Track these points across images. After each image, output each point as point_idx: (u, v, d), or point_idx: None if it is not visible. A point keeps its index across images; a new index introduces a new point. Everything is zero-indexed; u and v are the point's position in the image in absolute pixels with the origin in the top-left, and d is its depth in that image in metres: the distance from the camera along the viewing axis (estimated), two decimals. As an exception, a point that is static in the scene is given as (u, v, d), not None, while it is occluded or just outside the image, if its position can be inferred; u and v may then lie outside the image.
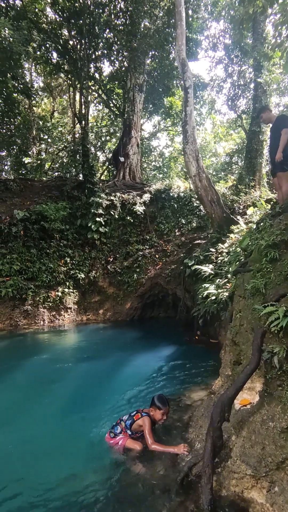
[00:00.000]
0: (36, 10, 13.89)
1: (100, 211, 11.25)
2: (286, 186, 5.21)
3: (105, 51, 14.48)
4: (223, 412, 2.74)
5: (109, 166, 19.24)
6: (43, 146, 20.64)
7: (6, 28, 9.13)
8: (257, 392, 3.05)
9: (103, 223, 11.29)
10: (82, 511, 2.73)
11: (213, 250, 8.51)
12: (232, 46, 15.00)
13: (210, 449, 2.66)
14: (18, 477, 3.15)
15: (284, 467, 2.46)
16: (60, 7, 12.95)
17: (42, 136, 20.01)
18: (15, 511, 2.75)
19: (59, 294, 10.22)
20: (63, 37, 13.91)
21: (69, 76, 15.97)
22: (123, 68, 15.29)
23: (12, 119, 15.60)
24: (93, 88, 15.90)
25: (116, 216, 11.63)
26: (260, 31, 12.28)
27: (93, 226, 11.09)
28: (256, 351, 2.90)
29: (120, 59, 15.08)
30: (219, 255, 8.21)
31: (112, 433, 3.54)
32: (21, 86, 13.28)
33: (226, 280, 6.83)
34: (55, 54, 14.73)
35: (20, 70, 12.62)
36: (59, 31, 13.90)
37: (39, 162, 18.27)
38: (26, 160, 18.43)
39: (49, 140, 20.53)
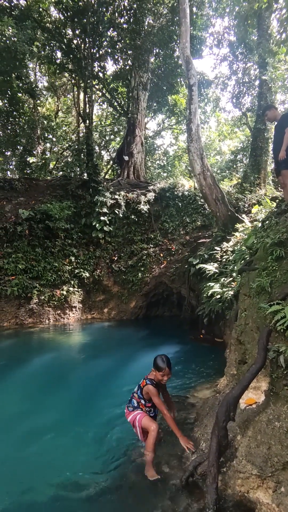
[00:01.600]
0: (40, 9, 13.92)
1: (105, 210, 11.26)
2: None
3: (109, 50, 14.47)
4: (228, 411, 2.72)
5: (114, 165, 19.24)
6: (47, 145, 20.72)
7: (10, 27, 9.15)
8: (263, 392, 3.02)
9: (108, 222, 11.29)
10: (86, 509, 2.74)
11: (217, 248, 8.47)
12: (236, 43, 14.87)
13: (216, 448, 2.65)
14: (21, 473, 3.17)
15: (290, 467, 2.43)
16: (64, 6, 12.96)
17: (46, 135, 20.08)
18: (14, 505, 2.76)
19: (64, 293, 10.26)
20: (67, 36, 13.93)
21: (73, 75, 16.01)
22: (127, 67, 15.27)
23: (16, 119, 15.68)
24: (97, 87, 15.92)
25: (121, 215, 11.63)
26: (265, 27, 12.14)
27: (97, 225, 11.11)
28: (262, 350, 2.87)
29: (124, 57, 15.06)
30: (224, 254, 8.16)
31: (130, 407, 3.50)
32: (26, 85, 13.32)
33: (231, 278, 6.80)
34: (59, 54, 14.78)
35: (24, 70, 12.66)
36: (63, 30, 13.92)
37: (43, 161, 18.33)
38: (31, 159, 18.51)
39: (53, 139, 20.60)
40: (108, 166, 21.24)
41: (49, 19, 14.18)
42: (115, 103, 16.86)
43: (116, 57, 14.98)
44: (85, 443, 3.69)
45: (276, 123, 5.60)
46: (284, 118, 5.35)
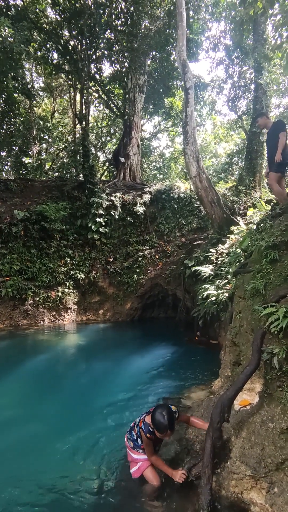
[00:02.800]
0: (37, 10, 13.89)
1: (101, 211, 11.26)
2: (276, 187, 5.34)
3: (106, 52, 14.48)
4: (222, 412, 2.74)
5: (110, 167, 19.25)
6: (43, 146, 20.65)
7: (6, 28, 9.12)
8: (257, 393, 3.05)
9: (103, 223, 11.29)
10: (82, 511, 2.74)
11: (213, 251, 8.51)
12: (232, 47, 15.00)
13: (210, 449, 2.67)
14: (17, 475, 3.16)
15: (283, 468, 2.46)
16: (61, 8, 12.96)
17: (42, 136, 20.02)
18: (11, 509, 2.75)
19: (59, 294, 10.22)
20: (64, 38, 13.92)
21: (69, 76, 15.99)
22: (124, 69, 15.29)
23: (12, 119, 15.60)
24: (94, 88, 15.91)
25: (117, 217, 11.63)
26: (260, 32, 12.29)
27: (93, 226, 11.10)
28: (256, 352, 2.90)
29: (120, 59, 15.08)
30: (219, 256, 8.21)
31: (131, 441, 3.08)
32: (22, 86, 13.28)
33: (226, 281, 6.84)
34: (55, 55, 14.74)
35: (20, 71, 12.61)
36: (60, 32, 13.90)
37: (39, 162, 18.27)
38: (27, 160, 18.42)
39: (49, 140, 20.54)
40: (104, 168, 21.23)
41: (45, 20, 14.16)
42: (112, 105, 16.87)
43: (113, 59, 14.99)
44: (80, 446, 3.68)
45: (266, 130, 5.77)
46: (275, 125, 5.54)
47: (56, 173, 18.00)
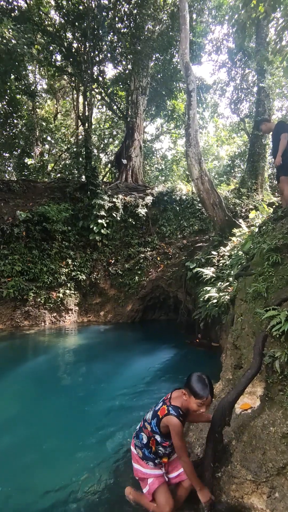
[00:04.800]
0: (41, 13, 13.99)
1: (102, 213, 11.27)
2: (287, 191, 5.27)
3: (109, 54, 14.55)
4: (223, 416, 2.73)
5: (112, 168, 19.29)
6: (46, 147, 20.73)
7: (10, 30, 9.17)
8: (258, 397, 3.04)
9: (105, 225, 11.30)
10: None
11: (214, 253, 8.50)
12: (235, 49, 15.02)
13: (210, 453, 2.65)
14: (16, 476, 3.15)
15: (285, 472, 2.44)
16: (64, 10, 13.04)
17: (45, 137, 20.10)
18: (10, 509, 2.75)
19: (60, 295, 10.22)
20: (67, 40, 14.00)
21: (72, 78, 16.09)
22: (127, 71, 15.36)
23: (15, 121, 15.69)
24: (97, 90, 15.98)
25: (118, 218, 11.64)
26: (263, 35, 12.31)
27: (95, 227, 11.11)
28: (258, 355, 2.89)
29: (123, 62, 15.15)
30: (221, 258, 8.20)
31: (138, 448, 2.57)
32: (25, 87, 13.36)
33: (227, 283, 6.82)
34: (59, 57, 14.83)
35: (24, 72, 12.70)
36: (63, 34, 13.99)
37: (42, 163, 18.34)
38: (29, 161, 18.52)
39: (52, 141, 20.62)
40: (107, 169, 21.28)
41: (49, 23, 14.25)
42: (114, 107, 16.93)
43: (116, 61, 15.07)
44: (80, 446, 3.67)
45: (271, 133, 5.74)
46: (278, 126, 5.50)
47: (58, 175, 18.05)
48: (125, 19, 13.96)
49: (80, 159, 14.32)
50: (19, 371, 6.18)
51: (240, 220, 9.35)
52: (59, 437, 3.89)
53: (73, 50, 13.94)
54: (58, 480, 3.09)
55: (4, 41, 9.34)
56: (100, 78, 15.38)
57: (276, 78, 13.16)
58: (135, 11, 13.50)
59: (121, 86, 16.94)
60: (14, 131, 16.55)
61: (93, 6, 12.98)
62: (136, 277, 10.87)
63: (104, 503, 2.83)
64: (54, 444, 3.74)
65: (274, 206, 7.59)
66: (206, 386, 2.32)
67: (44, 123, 19.70)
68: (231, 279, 6.66)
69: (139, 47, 13.71)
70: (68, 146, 20.31)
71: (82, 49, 13.89)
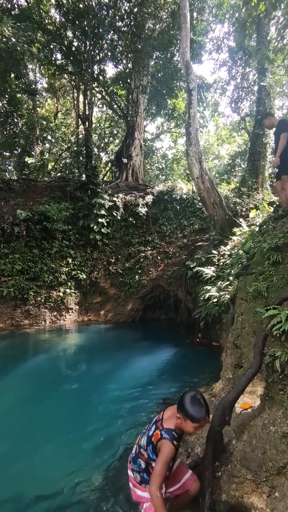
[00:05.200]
0: (41, 11, 13.96)
1: (103, 212, 11.26)
2: None
3: (109, 53, 14.52)
4: (224, 415, 2.72)
5: (112, 167, 19.26)
6: (46, 146, 20.71)
7: (9, 28, 9.14)
8: (258, 396, 3.03)
9: (106, 224, 11.29)
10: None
11: (215, 252, 8.49)
12: (236, 48, 14.98)
13: (211, 452, 2.65)
14: (15, 475, 3.15)
15: (285, 472, 2.44)
16: (64, 9, 13.01)
17: (45, 136, 20.08)
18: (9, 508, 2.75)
19: (61, 294, 10.23)
20: (67, 39, 13.97)
21: (73, 77, 16.07)
22: (127, 70, 15.33)
23: (15, 120, 15.67)
24: (97, 89, 15.95)
25: (119, 217, 11.63)
26: (264, 33, 12.27)
27: (95, 227, 11.10)
28: (258, 355, 2.88)
29: (124, 60, 15.12)
30: (221, 258, 8.19)
31: (136, 473, 2.39)
32: (25, 85, 13.34)
33: (228, 282, 6.82)
34: (59, 55, 14.80)
35: (24, 71, 12.68)
36: (64, 32, 13.96)
37: (42, 162, 18.32)
38: (29, 160, 18.50)
39: (52, 140, 20.60)
40: (107, 168, 21.26)
41: (49, 21, 14.22)
42: (115, 106, 16.90)
43: (116, 60, 15.04)
44: (79, 447, 3.67)
45: (274, 129, 5.68)
46: (280, 124, 5.44)
47: (59, 174, 18.03)
48: (125, 17, 13.92)
49: (81, 158, 14.30)
50: (19, 370, 6.18)
51: (241, 219, 9.34)
52: (58, 436, 3.89)
53: (74, 49, 13.91)
54: (56, 479, 3.09)
55: (4, 39, 9.32)
56: (101, 77, 15.36)
57: (277, 77, 13.15)
58: (135, 10, 13.47)
59: (122, 85, 16.91)
60: (14, 130, 16.54)
61: (94, 4, 12.95)
62: (137, 276, 10.87)
63: (103, 502, 2.83)
64: (51, 442, 3.72)
65: (274, 205, 7.58)
66: (202, 407, 2.16)
67: (44, 122, 19.68)
68: (231, 278, 6.66)
69: (139, 46, 13.68)
70: (69, 145, 20.29)
71: (83, 47, 13.86)
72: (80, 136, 18.08)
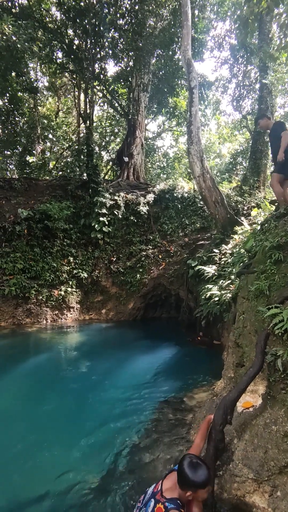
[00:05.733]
0: (42, 9, 13.92)
1: (104, 210, 11.25)
2: (278, 187, 5.25)
3: (110, 51, 14.47)
4: (225, 414, 2.72)
5: (113, 166, 19.24)
6: (47, 145, 20.70)
7: (10, 26, 9.11)
8: (260, 395, 3.02)
9: (107, 222, 11.28)
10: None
11: (216, 251, 8.47)
12: (238, 46, 14.93)
13: (212, 451, 2.64)
14: (17, 474, 3.15)
15: (287, 471, 2.43)
16: (65, 7, 12.96)
17: (46, 135, 20.06)
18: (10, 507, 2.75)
19: (62, 293, 10.23)
20: (68, 37, 13.92)
21: (74, 76, 16.01)
22: (128, 68, 15.28)
23: (16, 118, 15.66)
24: (98, 88, 15.92)
25: (120, 216, 11.62)
26: (266, 31, 12.20)
27: (96, 225, 11.10)
28: (260, 354, 2.87)
29: (125, 59, 15.07)
30: (223, 256, 8.17)
31: None
32: (26, 83, 13.31)
33: (229, 281, 6.80)
34: (60, 54, 14.76)
35: (25, 69, 12.65)
36: (65, 31, 13.91)
37: (43, 161, 18.32)
38: (31, 159, 18.48)
39: (53, 139, 20.59)
40: (108, 167, 21.23)
41: (50, 19, 14.17)
42: (116, 104, 16.87)
43: (117, 58, 14.98)
44: (79, 446, 3.67)
45: (269, 131, 5.75)
46: (276, 125, 5.50)
47: (60, 172, 18.02)
48: (126, 15, 13.85)
49: (82, 157, 14.27)
50: (20, 369, 6.19)
51: (242, 218, 9.30)
52: (59, 434, 3.89)
53: (75, 47, 13.86)
54: (58, 478, 3.09)
55: (5, 37, 9.29)
56: (102, 75, 15.30)
57: (278, 75, 13.07)
58: (136, 7, 13.40)
59: (123, 83, 16.86)
60: (15, 128, 16.51)
61: (95, 2, 12.89)
62: (138, 275, 10.86)
63: (105, 501, 2.83)
64: (52, 441, 3.73)
65: (276, 204, 7.55)
66: (202, 467, 2.05)
67: (45, 121, 19.66)
68: (233, 277, 6.64)
69: (140, 44, 13.62)
70: (70, 144, 20.28)
71: (84, 46, 13.81)
72: (81, 134, 18.03)
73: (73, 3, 12.90)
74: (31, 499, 2.86)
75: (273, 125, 5.58)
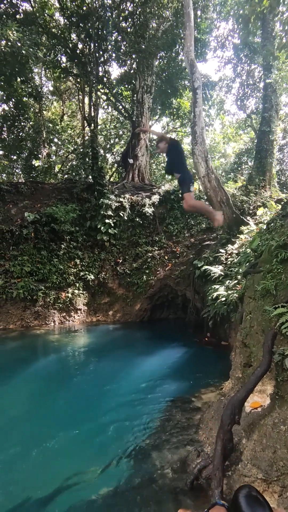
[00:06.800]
0: (46, 15, 14.08)
1: (110, 212, 11.30)
2: (192, 201, 4.80)
3: (113, 54, 14.56)
4: (233, 414, 2.71)
5: (118, 168, 19.32)
6: (53, 149, 20.87)
7: (14, 31, 9.22)
8: (268, 395, 3.01)
9: (113, 224, 11.33)
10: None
11: (222, 251, 8.45)
12: (241, 45, 14.89)
13: (221, 452, 2.64)
14: (23, 471, 3.19)
15: (296, 471, 2.42)
16: (68, 12, 13.09)
17: (52, 139, 20.23)
18: (14, 505, 2.78)
19: (69, 295, 10.30)
20: (72, 41, 14.05)
21: (78, 79, 16.14)
22: (132, 70, 15.35)
23: (22, 123, 15.85)
24: (102, 91, 16.01)
25: (125, 218, 11.65)
26: (269, 30, 12.16)
27: (102, 227, 11.15)
28: (267, 353, 2.87)
29: (128, 61, 15.15)
30: (229, 256, 8.15)
31: None
32: (31, 89, 13.47)
33: (236, 281, 6.77)
34: (64, 58, 14.90)
35: (30, 75, 12.80)
36: (68, 35, 14.05)
37: (49, 164, 18.46)
38: (36, 163, 18.66)
39: (59, 143, 20.75)
40: (113, 169, 21.32)
41: (54, 24, 14.32)
42: (120, 107, 16.94)
43: (121, 61, 15.06)
44: (87, 445, 3.70)
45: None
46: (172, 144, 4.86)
47: (66, 176, 18.15)
48: (129, 18, 13.93)
49: (87, 159, 14.36)
50: (29, 370, 6.25)
51: (248, 218, 9.27)
52: (67, 434, 3.92)
53: (78, 51, 13.99)
54: (64, 478, 3.11)
55: (9, 43, 9.41)
56: (105, 79, 15.41)
57: (283, 73, 12.99)
58: (139, 10, 13.47)
59: (126, 85, 16.92)
60: (21, 133, 16.72)
61: (97, 6, 13.00)
62: (144, 276, 10.88)
63: (112, 500, 2.84)
64: (60, 441, 3.76)
65: (282, 203, 7.51)
66: (263, 506, 1.77)
67: (50, 125, 19.83)
68: (239, 277, 6.61)
69: (143, 46, 13.67)
70: (75, 147, 20.40)
71: (87, 49, 13.93)
72: (86, 137, 18.15)
73: (76, 8, 13.02)
74: (38, 497, 2.90)
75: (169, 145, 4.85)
